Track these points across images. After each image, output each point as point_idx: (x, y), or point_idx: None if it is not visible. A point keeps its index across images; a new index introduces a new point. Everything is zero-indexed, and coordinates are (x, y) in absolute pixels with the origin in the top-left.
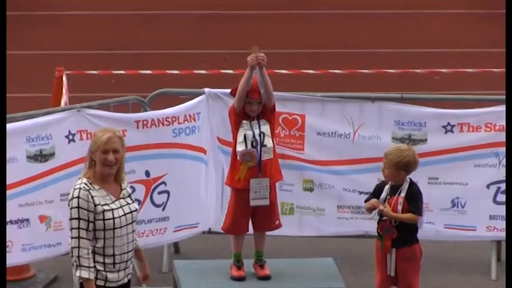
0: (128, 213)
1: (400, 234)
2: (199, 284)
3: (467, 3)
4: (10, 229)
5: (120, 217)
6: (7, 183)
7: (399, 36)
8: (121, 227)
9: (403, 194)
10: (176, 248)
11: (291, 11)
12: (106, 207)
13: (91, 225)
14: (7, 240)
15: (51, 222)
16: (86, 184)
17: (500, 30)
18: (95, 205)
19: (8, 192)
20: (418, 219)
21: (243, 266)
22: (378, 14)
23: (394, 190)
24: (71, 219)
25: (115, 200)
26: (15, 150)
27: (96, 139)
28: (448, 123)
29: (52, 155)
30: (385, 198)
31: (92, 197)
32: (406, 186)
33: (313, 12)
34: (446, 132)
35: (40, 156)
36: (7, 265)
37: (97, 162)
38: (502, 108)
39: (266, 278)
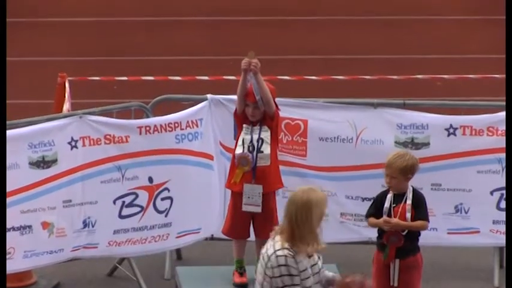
0: (317, 273)
1: (406, 244)
2: None
3: (469, 9)
4: (12, 236)
5: (313, 276)
6: (9, 189)
7: (401, 42)
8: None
9: (409, 202)
10: (178, 254)
11: (294, 17)
12: (305, 274)
13: None
14: (9, 246)
15: (53, 228)
16: (289, 250)
17: (502, 36)
18: (299, 271)
19: (10, 199)
20: (427, 225)
21: (245, 273)
22: (379, 20)
23: (399, 198)
24: (284, 286)
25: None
26: (18, 156)
27: (320, 200)
28: (451, 126)
29: (54, 161)
30: (390, 207)
31: (297, 263)
32: (410, 193)
33: (316, 18)
34: (449, 135)
35: (42, 163)
36: (9, 272)
37: (312, 222)
38: (504, 114)
39: None
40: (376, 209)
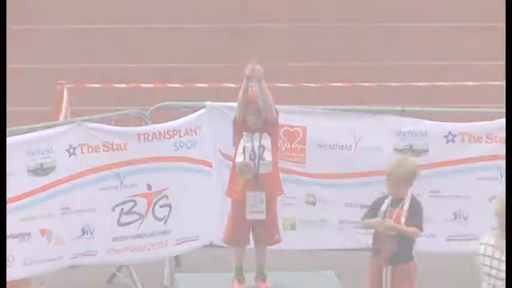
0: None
1: (399, 249)
2: None
3: (468, 16)
4: (11, 243)
5: None
6: (8, 197)
7: (400, 49)
8: None
9: (405, 208)
10: (177, 261)
11: (292, 24)
12: None
13: None
14: (8, 254)
15: (52, 236)
16: None
17: (501, 43)
18: None
19: (9, 206)
20: (419, 234)
21: (244, 280)
22: (378, 27)
23: (396, 203)
24: None
25: None
26: (16, 163)
27: None
28: (450, 133)
29: (53, 168)
30: (386, 210)
31: None
32: (408, 200)
33: (314, 26)
34: (447, 142)
35: (41, 170)
36: (8, 279)
37: None
38: (503, 121)
39: None
40: (373, 212)
